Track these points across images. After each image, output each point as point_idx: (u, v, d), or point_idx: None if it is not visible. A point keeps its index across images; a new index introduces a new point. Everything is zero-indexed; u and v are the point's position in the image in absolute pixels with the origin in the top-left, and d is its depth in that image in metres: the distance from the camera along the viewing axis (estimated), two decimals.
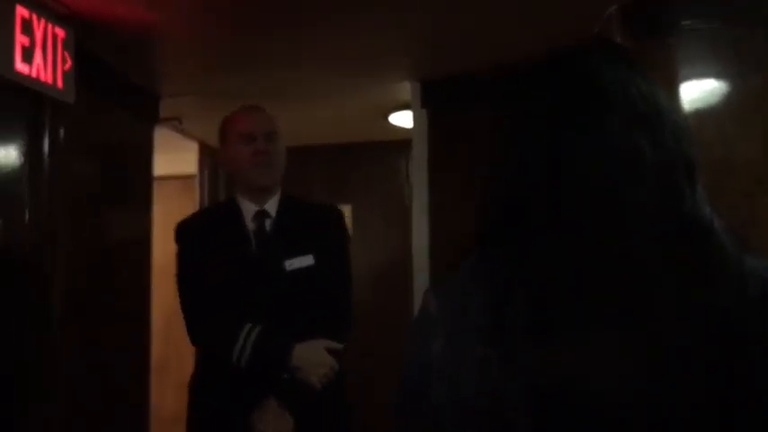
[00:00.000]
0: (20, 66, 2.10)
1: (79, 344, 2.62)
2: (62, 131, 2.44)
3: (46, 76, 2.22)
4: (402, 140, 3.91)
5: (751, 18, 2.16)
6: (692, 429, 0.71)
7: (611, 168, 0.76)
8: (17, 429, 2.23)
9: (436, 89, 3.27)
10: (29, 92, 2.20)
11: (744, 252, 0.77)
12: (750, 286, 0.74)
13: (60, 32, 2.29)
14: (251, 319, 1.96)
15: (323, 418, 1.99)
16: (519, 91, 0.88)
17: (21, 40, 2.10)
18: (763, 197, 2.11)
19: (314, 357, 1.95)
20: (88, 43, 2.50)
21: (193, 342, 2.09)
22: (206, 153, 4.62)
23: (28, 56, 2.13)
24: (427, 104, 3.32)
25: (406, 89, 3.36)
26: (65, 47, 2.31)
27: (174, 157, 4.28)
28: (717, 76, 2.19)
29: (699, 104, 2.17)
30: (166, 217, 4.38)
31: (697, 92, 2.18)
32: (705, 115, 2.16)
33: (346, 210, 3.05)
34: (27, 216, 2.28)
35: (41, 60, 2.19)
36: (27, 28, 2.13)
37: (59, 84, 2.28)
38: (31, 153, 2.30)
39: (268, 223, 2.07)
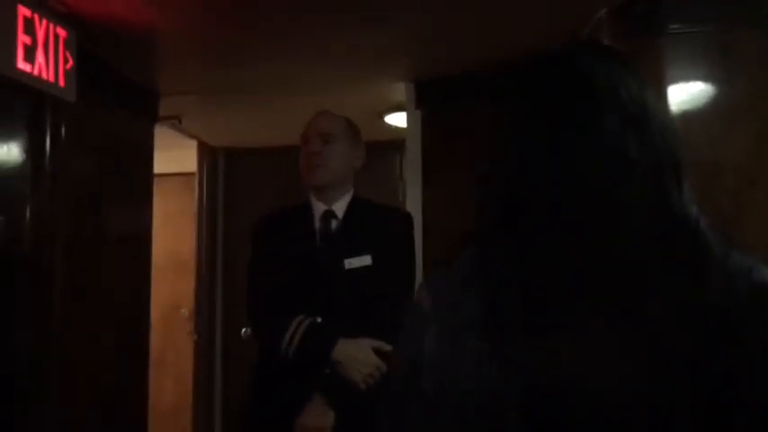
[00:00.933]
0: (22, 65, 2.13)
1: (79, 341, 2.64)
2: (63, 130, 2.46)
3: (48, 75, 2.24)
4: (395, 140, 3.92)
5: (739, 21, 2.18)
6: (689, 428, 0.72)
7: (601, 168, 0.77)
8: (17, 429, 2.24)
9: (430, 90, 3.29)
10: (30, 90, 2.23)
11: (730, 251, 0.78)
12: (736, 284, 0.75)
13: (62, 32, 2.32)
14: (307, 313, 2.00)
15: (366, 418, 1.98)
16: (512, 91, 0.89)
17: (23, 39, 2.13)
18: (750, 198, 2.12)
19: (358, 354, 1.96)
20: (89, 42, 2.52)
21: (252, 331, 2.19)
22: (205, 151, 4.66)
23: (30, 55, 2.16)
24: (421, 105, 3.34)
25: (401, 90, 3.38)
26: (66, 46, 2.34)
27: (174, 156, 4.30)
28: (705, 78, 2.21)
29: (687, 106, 2.18)
30: (166, 214, 4.43)
31: (685, 94, 2.20)
32: (693, 117, 2.18)
33: None
34: (28, 213, 2.30)
35: (43, 59, 2.22)
36: (29, 27, 2.16)
37: (61, 82, 2.31)
38: (32, 151, 2.32)
39: (334, 223, 2.14)
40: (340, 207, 2.15)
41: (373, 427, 1.98)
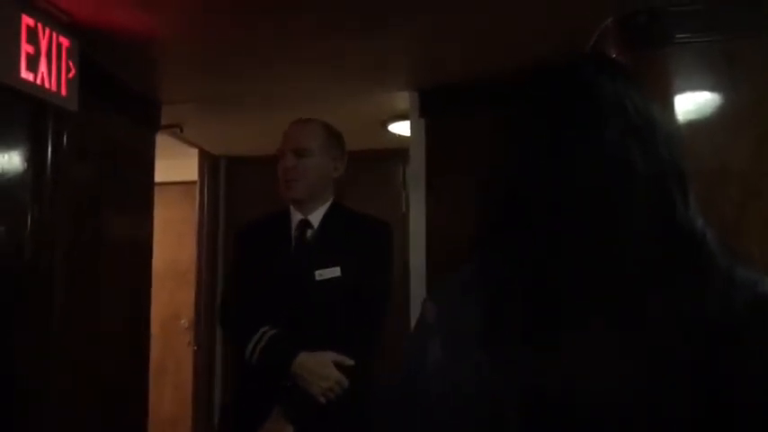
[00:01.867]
0: (25, 74, 2.13)
1: (79, 346, 2.64)
2: (65, 138, 2.46)
3: (50, 85, 2.24)
4: (398, 149, 3.92)
5: (743, 31, 2.19)
6: (689, 429, 0.72)
7: (604, 177, 0.77)
8: (17, 429, 2.24)
9: (434, 98, 3.29)
10: (32, 99, 2.22)
11: (734, 262, 0.78)
12: (738, 297, 0.75)
13: (65, 42, 2.32)
14: (276, 323, 1.99)
15: None
16: (516, 101, 0.89)
17: (26, 48, 2.13)
18: (755, 208, 2.12)
19: (317, 368, 1.93)
20: (90, 51, 2.52)
21: (225, 337, 2.21)
22: (206, 160, 4.65)
23: (33, 64, 2.16)
24: (425, 114, 3.34)
25: (404, 99, 3.38)
26: (69, 56, 2.33)
27: (175, 164, 4.31)
28: (709, 87, 2.21)
29: (692, 116, 2.19)
30: (167, 222, 4.42)
31: (690, 103, 2.20)
32: (698, 126, 2.18)
33: None
34: (29, 221, 2.29)
35: (46, 69, 2.21)
36: (32, 37, 2.16)
37: (63, 92, 2.31)
38: (33, 159, 2.31)
39: (309, 233, 2.13)
40: (316, 217, 2.14)
41: None
